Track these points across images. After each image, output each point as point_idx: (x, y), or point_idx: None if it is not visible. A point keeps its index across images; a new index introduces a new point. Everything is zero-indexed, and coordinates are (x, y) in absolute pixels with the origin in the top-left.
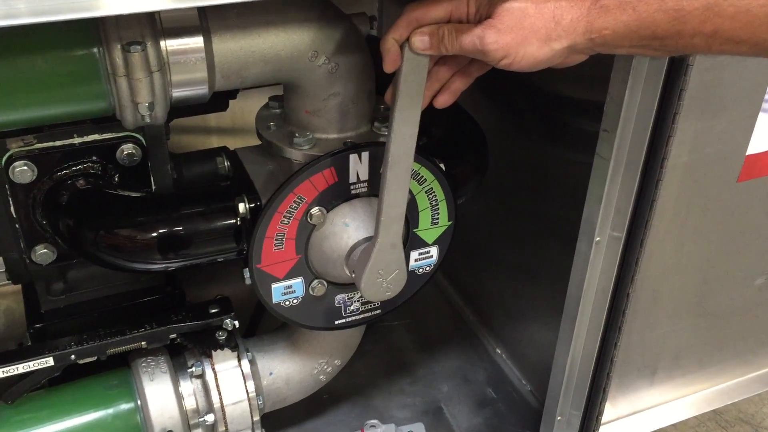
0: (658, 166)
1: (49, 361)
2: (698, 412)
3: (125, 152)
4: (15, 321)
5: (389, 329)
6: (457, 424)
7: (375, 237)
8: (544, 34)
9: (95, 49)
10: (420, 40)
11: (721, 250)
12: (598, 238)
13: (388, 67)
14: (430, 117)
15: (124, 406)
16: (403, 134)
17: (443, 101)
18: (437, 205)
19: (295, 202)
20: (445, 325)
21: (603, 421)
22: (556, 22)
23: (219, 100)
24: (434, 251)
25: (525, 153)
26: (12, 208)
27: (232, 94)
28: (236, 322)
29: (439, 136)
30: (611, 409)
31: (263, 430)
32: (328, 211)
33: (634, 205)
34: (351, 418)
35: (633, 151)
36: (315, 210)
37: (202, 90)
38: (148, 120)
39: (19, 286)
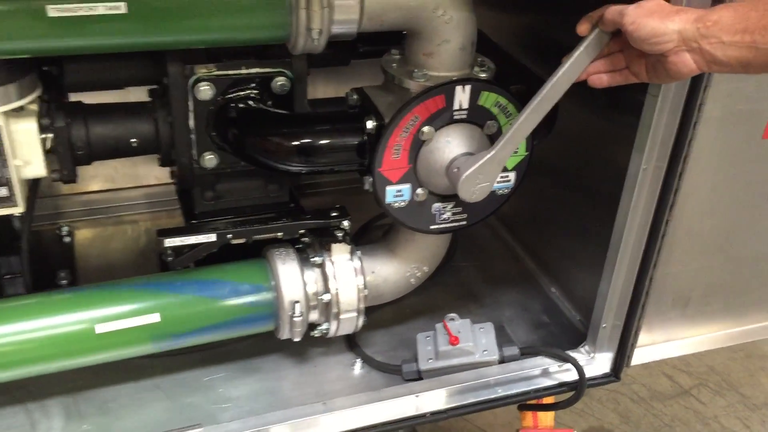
0: (695, 109)
1: (212, 237)
2: (721, 345)
3: (279, 83)
4: (152, 239)
5: (461, 269)
6: (517, 337)
7: (494, 147)
8: (666, 15)
9: None
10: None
11: (747, 199)
12: (644, 166)
13: (581, 30)
14: (522, 77)
15: (262, 283)
16: (561, 82)
17: (598, 80)
18: None
19: (411, 120)
20: (508, 268)
21: (639, 343)
22: (677, 11)
23: (344, 56)
24: (512, 176)
25: (576, 129)
26: (191, 121)
27: (354, 54)
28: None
29: (525, 89)
30: (648, 335)
31: (365, 316)
32: (435, 130)
33: (675, 138)
34: (428, 327)
35: (677, 93)
36: (426, 128)
37: (352, 28)
38: (314, 44)
39: (147, 217)
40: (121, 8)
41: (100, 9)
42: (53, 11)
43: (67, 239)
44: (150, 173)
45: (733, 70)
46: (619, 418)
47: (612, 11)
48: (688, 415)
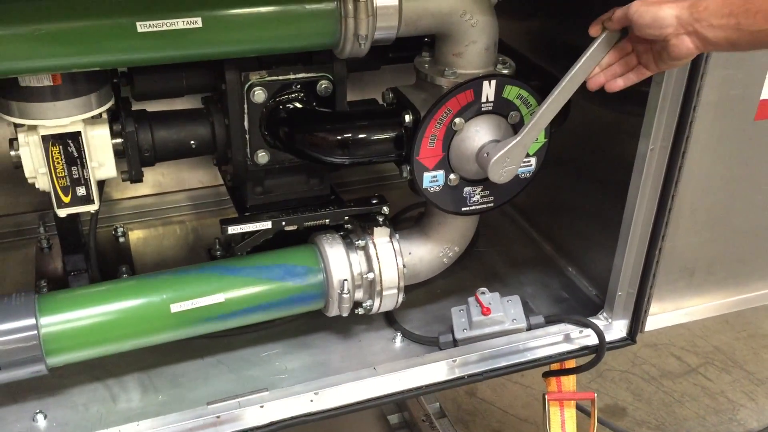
0: (694, 94)
1: (268, 224)
2: (725, 312)
3: (323, 86)
4: (199, 237)
5: (484, 254)
6: (539, 310)
7: (519, 134)
8: (663, 3)
9: (335, 4)
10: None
11: (743, 176)
12: (651, 146)
13: (593, 32)
14: (537, 74)
15: (312, 266)
16: (577, 75)
17: (614, 85)
18: None
19: (445, 112)
20: (527, 252)
21: (651, 312)
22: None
23: (377, 61)
24: (533, 161)
25: (586, 122)
26: (246, 122)
27: (384, 60)
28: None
29: (542, 85)
30: (658, 305)
31: (404, 293)
32: (465, 121)
33: (678, 120)
34: (458, 304)
35: (678, 80)
36: (458, 119)
37: (391, 34)
38: (361, 48)
39: (193, 217)
40: (198, 22)
41: (180, 24)
42: (141, 27)
43: (122, 239)
44: (194, 177)
45: (725, 49)
46: (632, 396)
47: (619, 9)
48: (696, 391)
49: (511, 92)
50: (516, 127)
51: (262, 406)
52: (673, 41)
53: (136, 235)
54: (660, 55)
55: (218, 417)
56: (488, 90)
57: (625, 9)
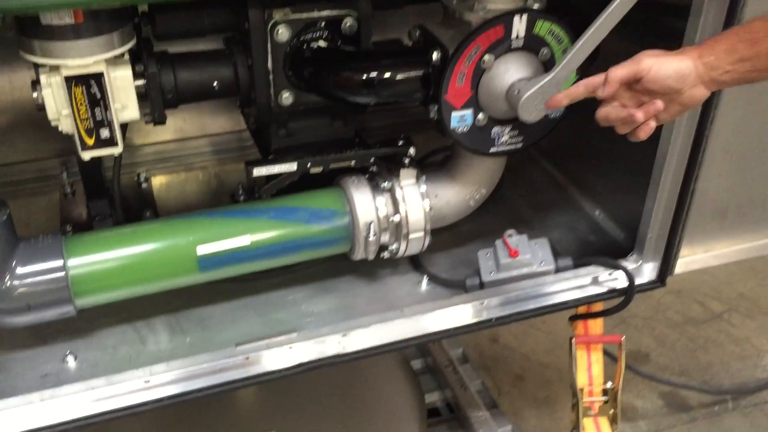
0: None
1: (293, 166)
2: (756, 255)
3: (348, 24)
4: (221, 182)
5: (509, 198)
6: (566, 253)
7: (553, 71)
8: (675, 56)
9: None
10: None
11: None
12: None
13: None
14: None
15: (338, 208)
16: (615, 12)
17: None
18: None
19: (474, 49)
20: (553, 196)
21: (681, 255)
22: (680, 52)
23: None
24: None
25: (615, 61)
26: (269, 62)
27: None
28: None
29: (573, 21)
30: (689, 248)
31: (430, 236)
32: (495, 59)
33: None
34: (484, 248)
35: (717, 14)
36: (487, 56)
37: None
38: None
39: (214, 163)
40: None
41: None
42: None
43: (144, 185)
44: (216, 123)
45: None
46: (656, 342)
47: (622, 66)
48: (721, 337)
49: (543, 28)
50: (547, 65)
51: (290, 347)
52: (690, 92)
53: (158, 181)
54: (666, 108)
55: (247, 358)
56: (519, 25)
57: (634, 65)
